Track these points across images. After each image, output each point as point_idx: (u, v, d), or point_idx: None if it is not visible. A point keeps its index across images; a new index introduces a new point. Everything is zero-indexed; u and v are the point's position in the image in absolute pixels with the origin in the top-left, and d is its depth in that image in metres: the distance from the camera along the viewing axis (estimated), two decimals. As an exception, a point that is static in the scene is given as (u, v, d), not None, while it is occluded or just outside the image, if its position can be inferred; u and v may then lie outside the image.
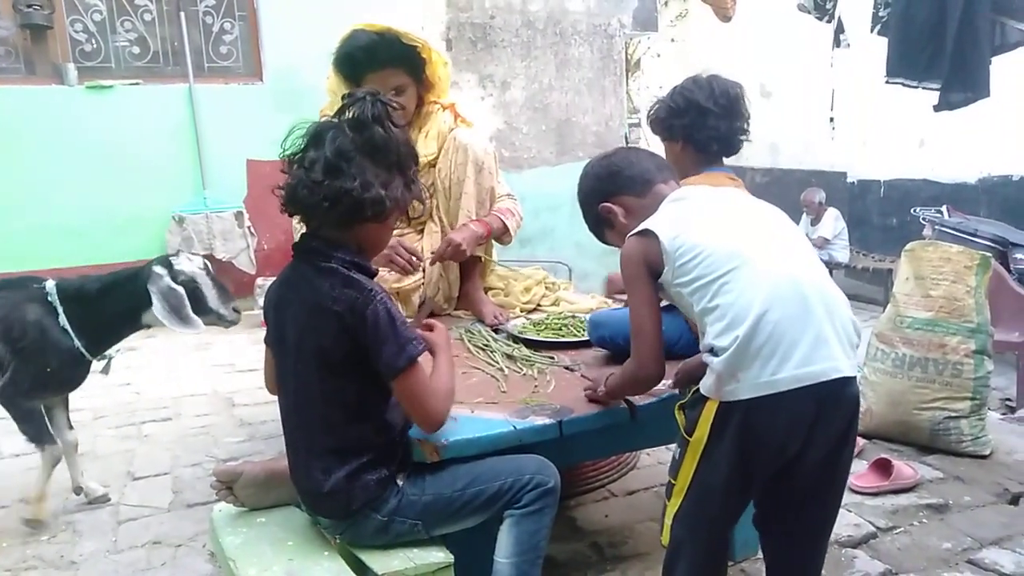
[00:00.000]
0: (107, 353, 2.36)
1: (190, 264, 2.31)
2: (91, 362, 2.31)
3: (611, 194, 1.63)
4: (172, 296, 2.23)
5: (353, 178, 1.43)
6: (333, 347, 1.44)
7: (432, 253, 2.40)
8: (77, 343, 2.23)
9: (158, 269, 2.25)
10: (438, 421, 1.49)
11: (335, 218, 1.46)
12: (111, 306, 2.28)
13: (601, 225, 1.67)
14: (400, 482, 1.52)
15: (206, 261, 2.40)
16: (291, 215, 1.53)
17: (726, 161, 1.98)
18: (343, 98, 1.53)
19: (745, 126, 1.95)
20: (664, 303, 1.53)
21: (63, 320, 2.21)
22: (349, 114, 1.48)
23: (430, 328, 1.64)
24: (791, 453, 1.38)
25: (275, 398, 1.61)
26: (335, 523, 1.53)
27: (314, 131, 1.49)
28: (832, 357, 1.35)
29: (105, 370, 2.40)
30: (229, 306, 2.36)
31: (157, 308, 2.21)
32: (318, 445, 1.50)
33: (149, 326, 2.32)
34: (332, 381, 1.47)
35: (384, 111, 1.48)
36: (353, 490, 1.47)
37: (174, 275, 2.26)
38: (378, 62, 2.29)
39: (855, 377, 1.40)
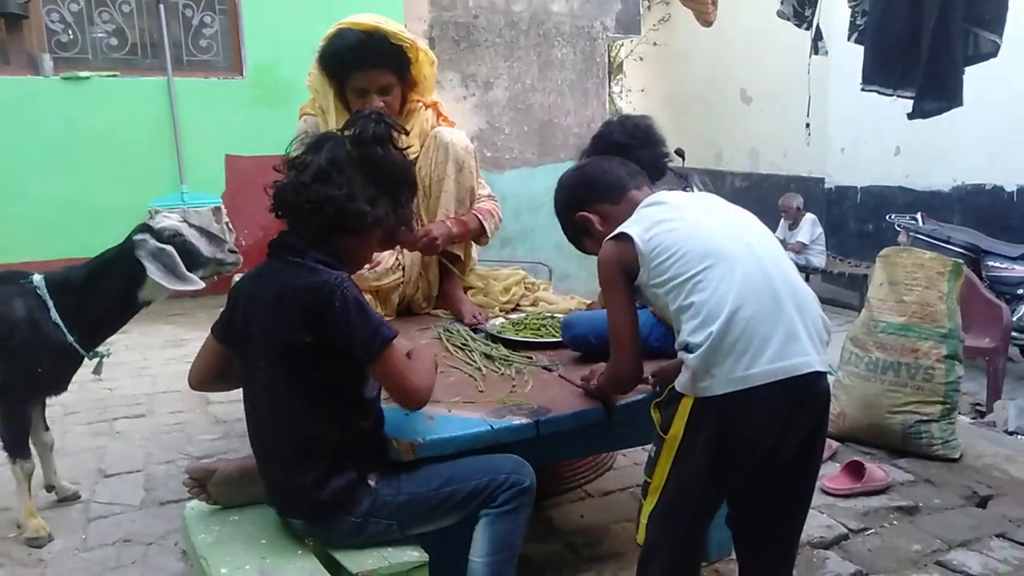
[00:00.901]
0: (99, 351, 2.26)
1: (169, 220, 2.23)
2: (83, 359, 2.23)
3: (587, 203, 1.67)
4: (163, 256, 2.14)
5: (340, 187, 1.46)
6: (296, 339, 1.43)
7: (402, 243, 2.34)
8: (70, 338, 2.15)
9: (140, 236, 2.16)
10: (422, 398, 1.51)
11: (315, 224, 1.48)
12: (104, 291, 2.19)
13: (580, 234, 1.70)
14: (372, 483, 1.51)
15: (183, 216, 2.33)
16: (277, 216, 1.53)
17: (707, 166, 2.05)
18: (352, 113, 1.58)
19: (665, 150, 2.08)
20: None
21: (55, 314, 2.13)
22: (352, 130, 1.51)
23: None
24: (765, 448, 1.40)
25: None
26: (308, 525, 1.52)
27: (316, 139, 1.53)
28: (804, 352, 1.38)
29: (97, 370, 2.30)
30: (224, 248, 2.27)
31: (152, 272, 2.11)
32: (281, 445, 1.49)
33: (148, 303, 2.24)
34: (294, 376, 1.46)
35: (386, 132, 1.53)
36: (319, 494, 1.46)
37: (158, 235, 2.17)
38: (365, 62, 2.26)
39: (826, 372, 1.43)
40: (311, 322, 1.41)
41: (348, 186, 1.46)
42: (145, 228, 2.19)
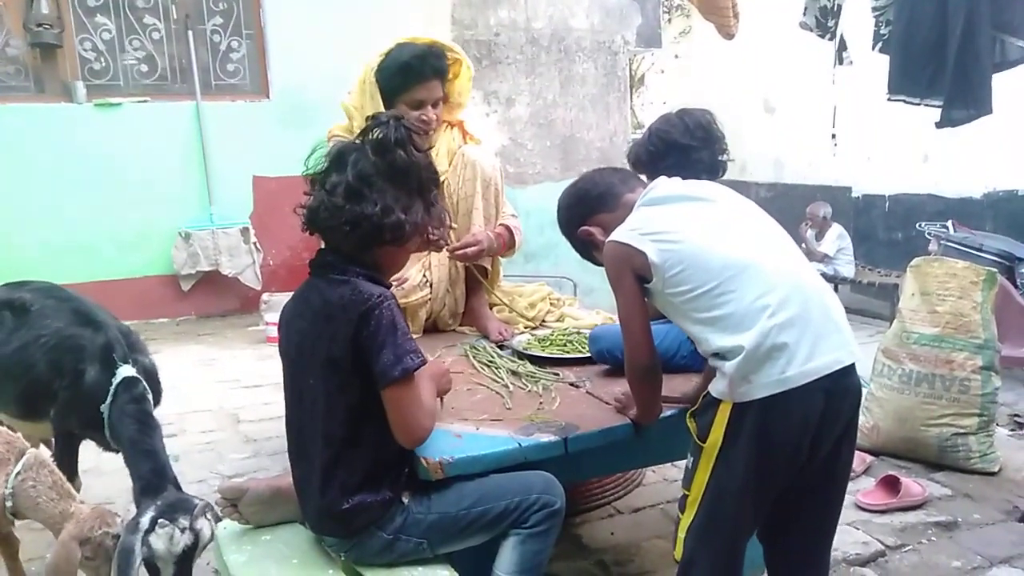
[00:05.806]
0: None
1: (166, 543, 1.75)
2: None
3: (586, 217, 1.71)
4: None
5: (374, 203, 1.45)
6: (339, 355, 1.43)
7: (449, 248, 2.33)
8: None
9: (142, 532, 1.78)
10: (421, 438, 1.47)
11: (355, 240, 1.48)
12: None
13: (587, 248, 1.73)
14: (405, 500, 1.51)
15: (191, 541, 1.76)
16: (311, 234, 1.54)
17: (731, 177, 2.01)
18: (367, 120, 1.54)
19: (725, 147, 1.98)
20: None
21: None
22: (372, 136, 1.49)
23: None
24: (804, 450, 1.40)
25: (281, 414, 1.61)
26: (340, 541, 1.52)
27: (336, 153, 1.50)
28: (833, 349, 1.40)
29: None
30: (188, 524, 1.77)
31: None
32: (319, 462, 1.49)
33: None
34: (335, 393, 1.46)
35: (407, 135, 1.50)
36: (354, 511, 1.46)
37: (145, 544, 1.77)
38: (429, 72, 2.32)
39: (854, 364, 1.44)
40: (351, 338, 1.42)
41: (381, 199, 1.45)
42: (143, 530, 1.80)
